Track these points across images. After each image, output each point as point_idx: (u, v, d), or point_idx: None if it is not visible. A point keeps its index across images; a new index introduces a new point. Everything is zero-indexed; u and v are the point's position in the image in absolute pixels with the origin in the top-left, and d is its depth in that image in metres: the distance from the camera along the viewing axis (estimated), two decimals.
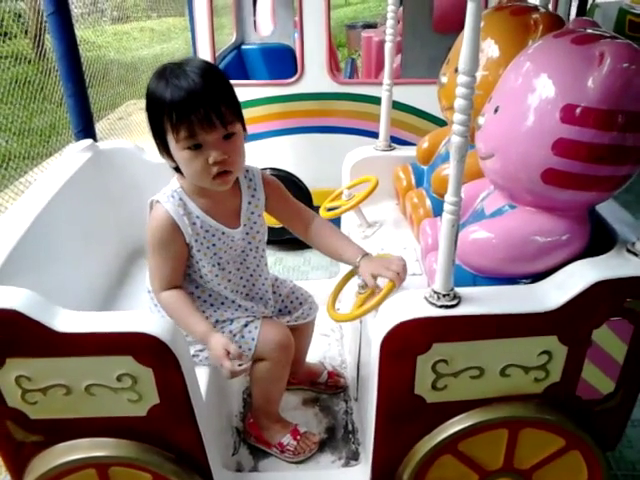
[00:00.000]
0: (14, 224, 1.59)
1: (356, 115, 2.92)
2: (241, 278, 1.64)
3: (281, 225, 3.21)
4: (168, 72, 1.35)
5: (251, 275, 1.66)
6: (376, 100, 2.85)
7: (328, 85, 2.87)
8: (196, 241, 1.47)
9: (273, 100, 2.93)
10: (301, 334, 1.84)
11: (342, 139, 2.96)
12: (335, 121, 2.96)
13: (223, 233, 1.52)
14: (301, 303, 1.80)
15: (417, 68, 3.17)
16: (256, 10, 4.52)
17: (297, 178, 3.12)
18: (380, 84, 3.01)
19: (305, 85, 2.89)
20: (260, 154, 3.06)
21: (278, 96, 2.93)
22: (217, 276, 1.55)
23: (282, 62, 3.83)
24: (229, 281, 1.59)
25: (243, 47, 4.03)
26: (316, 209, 3.13)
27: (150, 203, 1.48)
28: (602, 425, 1.49)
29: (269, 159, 3.09)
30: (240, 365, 1.39)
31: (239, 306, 1.63)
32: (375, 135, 2.87)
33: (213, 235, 1.51)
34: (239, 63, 3.93)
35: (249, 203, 1.58)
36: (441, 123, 2.82)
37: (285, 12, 4.12)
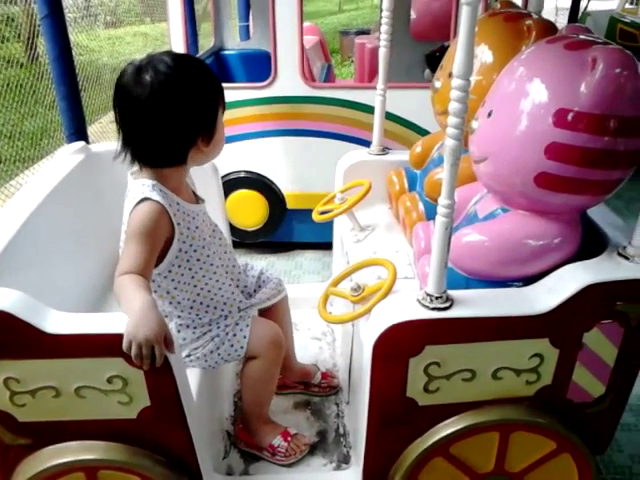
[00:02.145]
0: (5, 225, 1.58)
1: (329, 119, 2.94)
2: (222, 257, 1.63)
3: (256, 227, 3.22)
4: (194, 62, 1.42)
5: (225, 252, 1.66)
6: (349, 104, 2.89)
7: (301, 88, 2.88)
8: (179, 224, 1.44)
9: (247, 103, 2.94)
10: (276, 317, 1.83)
11: (316, 142, 2.98)
12: (308, 124, 2.97)
13: (196, 214, 1.52)
14: (264, 281, 1.81)
15: (394, 74, 3.20)
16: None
17: (270, 181, 3.14)
18: (352, 88, 3.05)
19: (278, 88, 2.90)
20: (234, 157, 3.07)
21: (252, 99, 2.93)
22: (208, 257, 1.54)
23: (261, 68, 3.84)
24: (217, 266, 1.59)
25: (222, 53, 4.03)
26: (290, 212, 3.21)
27: (135, 203, 1.40)
28: (593, 428, 1.50)
29: (243, 162, 3.10)
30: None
31: (232, 293, 1.64)
32: (348, 139, 2.93)
33: (193, 218, 1.50)
34: (218, 69, 3.92)
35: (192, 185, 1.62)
36: (415, 129, 2.87)
37: (263, 18, 4.12)
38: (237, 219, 3.23)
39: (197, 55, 3.64)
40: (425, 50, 3.85)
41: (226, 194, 3.11)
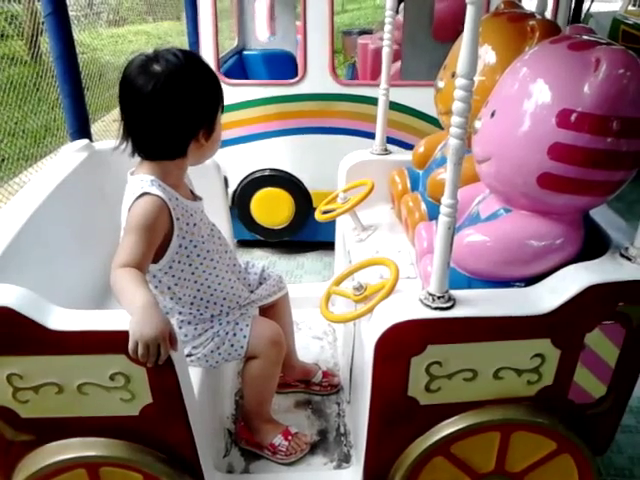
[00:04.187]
0: (9, 222, 1.58)
1: (357, 116, 2.92)
2: (223, 256, 1.64)
3: (282, 225, 3.22)
4: (199, 59, 1.44)
5: (226, 251, 1.66)
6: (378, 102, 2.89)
7: (330, 86, 2.88)
8: (178, 219, 1.44)
9: (274, 100, 2.93)
10: (277, 316, 1.84)
11: (343, 140, 2.96)
12: (336, 122, 2.96)
13: (195, 211, 1.52)
14: (265, 278, 1.82)
15: (417, 76, 3.19)
16: (254, 16, 4.56)
17: (297, 179, 3.13)
18: None
19: (307, 86, 2.89)
20: (260, 154, 3.07)
21: (280, 96, 2.93)
22: (208, 252, 1.55)
23: (283, 68, 3.85)
24: (217, 261, 1.59)
25: (245, 52, 4.05)
26: (315, 211, 3.19)
27: (135, 198, 1.39)
28: (593, 429, 1.50)
29: (269, 159, 3.09)
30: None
31: (232, 288, 1.64)
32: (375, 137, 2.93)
33: (191, 214, 1.50)
34: (240, 68, 3.94)
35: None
36: (438, 124, 2.85)
37: (286, 18, 4.14)
38: (263, 217, 3.22)
39: (220, 55, 3.64)
40: (448, 52, 3.83)
41: (252, 192, 3.13)
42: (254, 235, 3.31)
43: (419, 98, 2.78)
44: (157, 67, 1.35)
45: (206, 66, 1.45)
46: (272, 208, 3.18)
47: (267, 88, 2.93)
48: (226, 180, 3.12)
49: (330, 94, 2.90)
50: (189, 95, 1.39)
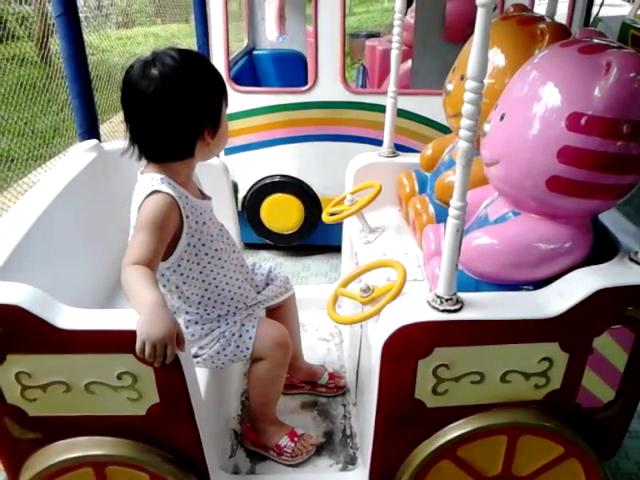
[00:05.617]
0: (18, 221, 1.59)
1: (368, 124, 2.93)
2: (231, 255, 1.64)
3: (292, 231, 3.21)
4: (198, 57, 1.44)
5: (234, 251, 1.67)
6: None
7: (341, 94, 2.89)
8: (187, 217, 1.45)
9: (285, 108, 2.94)
10: (284, 317, 1.84)
11: (353, 148, 2.95)
12: (347, 130, 2.97)
13: (204, 210, 1.53)
14: (272, 279, 1.82)
15: (428, 78, 3.18)
16: (264, 16, 4.57)
17: (307, 185, 3.14)
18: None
19: (318, 93, 2.90)
20: (270, 161, 3.08)
21: (291, 104, 2.94)
22: (217, 251, 1.55)
23: (293, 68, 3.86)
24: (225, 261, 1.59)
25: (255, 53, 4.07)
26: None
27: (145, 196, 1.39)
28: (601, 433, 1.49)
29: (280, 166, 3.11)
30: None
31: (239, 288, 1.64)
32: None
33: (200, 213, 1.50)
34: (250, 68, 3.96)
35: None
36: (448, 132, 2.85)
37: (296, 19, 4.16)
38: (273, 223, 3.24)
39: (230, 56, 3.67)
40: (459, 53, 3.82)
41: (262, 198, 3.15)
42: (264, 240, 3.32)
43: (431, 106, 2.77)
44: (154, 71, 1.35)
45: (205, 63, 1.45)
46: (282, 214, 3.19)
47: (278, 96, 2.94)
48: (236, 186, 3.13)
49: (341, 102, 2.91)
50: (189, 96, 1.38)
